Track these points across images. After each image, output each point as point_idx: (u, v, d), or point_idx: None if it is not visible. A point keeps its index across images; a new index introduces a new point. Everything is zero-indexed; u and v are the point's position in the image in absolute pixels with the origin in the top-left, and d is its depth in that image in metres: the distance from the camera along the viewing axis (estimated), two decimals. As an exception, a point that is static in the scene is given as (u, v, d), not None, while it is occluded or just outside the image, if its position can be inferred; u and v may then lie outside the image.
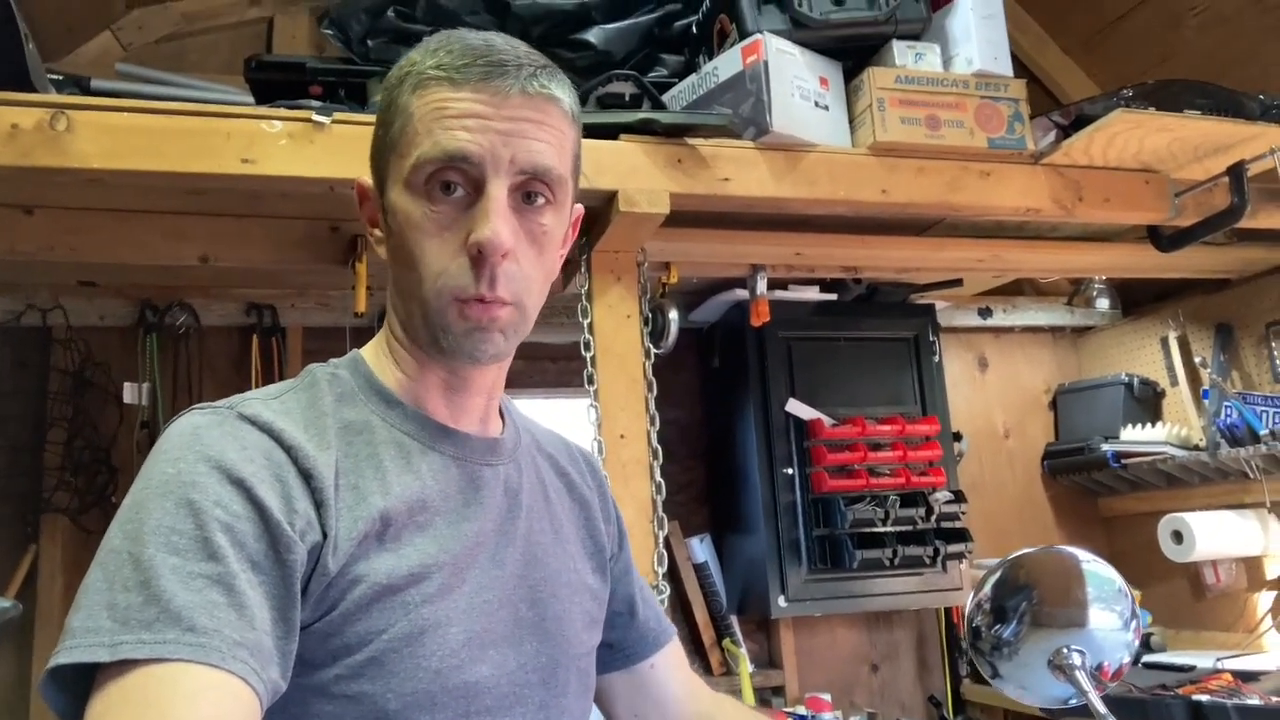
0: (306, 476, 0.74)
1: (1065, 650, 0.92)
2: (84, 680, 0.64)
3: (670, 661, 1.10)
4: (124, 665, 0.62)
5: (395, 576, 0.76)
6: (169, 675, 0.62)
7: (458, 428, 0.87)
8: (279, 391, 0.83)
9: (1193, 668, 2.30)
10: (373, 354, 0.89)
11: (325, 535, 0.73)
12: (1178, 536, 2.51)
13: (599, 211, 1.80)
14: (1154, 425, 2.69)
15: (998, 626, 0.97)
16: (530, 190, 0.81)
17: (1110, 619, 0.94)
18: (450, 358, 0.83)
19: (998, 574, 1.00)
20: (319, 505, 0.74)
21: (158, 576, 0.64)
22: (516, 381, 2.53)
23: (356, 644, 0.73)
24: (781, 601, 2.31)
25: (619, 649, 1.06)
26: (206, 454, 0.71)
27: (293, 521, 0.71)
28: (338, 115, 1.60)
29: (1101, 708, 0.89)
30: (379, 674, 0.73)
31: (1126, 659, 0.94)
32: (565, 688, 0.88)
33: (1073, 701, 0.93)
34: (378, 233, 0.88)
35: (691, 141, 1.79)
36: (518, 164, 0.79)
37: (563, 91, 0.84)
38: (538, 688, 0.84)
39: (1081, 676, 0.90)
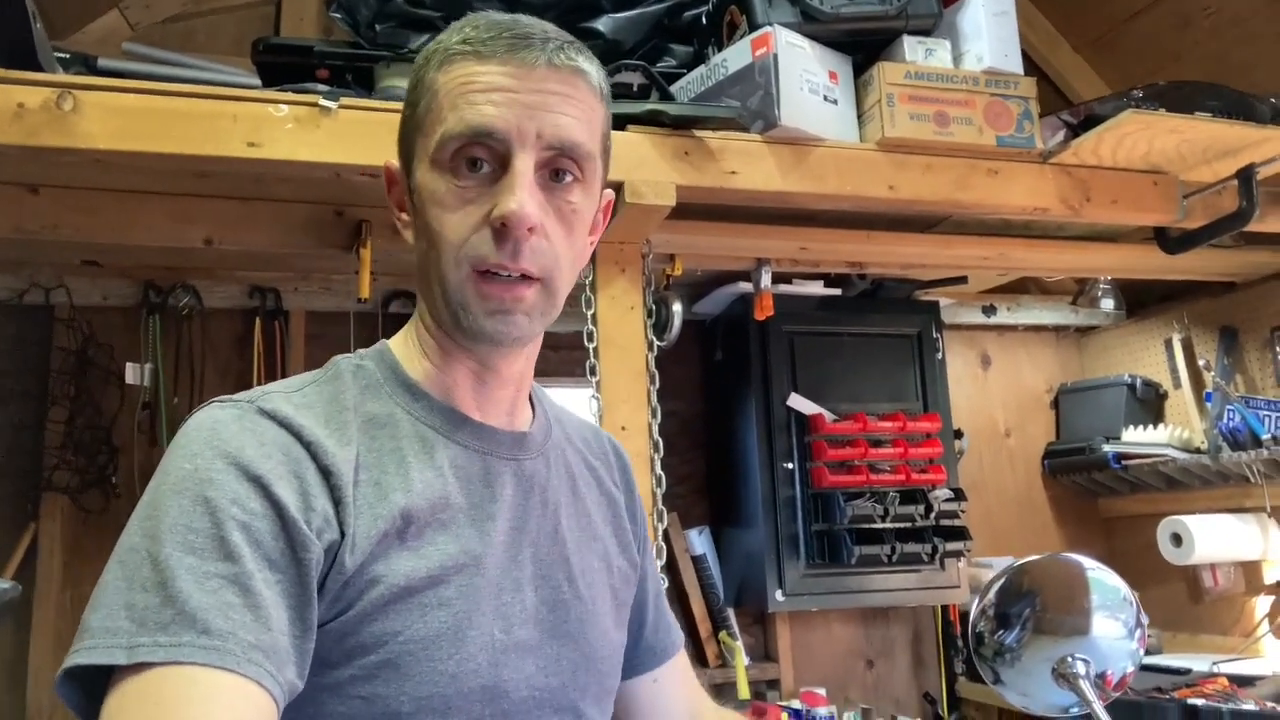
0: (325, 473, 0.73)
1: (1069, 658, 0.91)
2: (99, 677, 0.63)
3: (674, 676, 1.07)
4: (140, 667, 0.62)
5: (415, 578, 0.74)
6: (184, 679, 0.62)
7: (485, 421, 0.86)
8: (301, 384, 0.81)
9: (1189, 671, 2.30)
10: (401, 344, 0.87)
11: (343, 534, 0.72)
12: (1177, 539, 2.51)
13: (605, 202, 1.79)
14: (1156, 427, 2.69)
15: (1001, 633, 0.96)
16: (558, 167, 0.80)
17: (1115, 627, 0.93)
18: (473, 340, 0.81)
19: (1002, 580, 0.99)
20: (337, 503, 0.73)
21: (174, 576, 0.64)
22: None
23: (372, 645, 0.72)
24: (779, 595, 2.31)
25: (625, 658, 1.02)
26: (224, 450, 0.70)
27: (309, 520, 0.70)
28: (344, 100, 1.59)
29: (1106, 717, 0.88)
30: (394, 676, 0.72)
31: (1131, 668, 0.94)
32: (584, 692, 0.85)
33: (1075, 710, 0.92)
34: (405, 216, 0.86)
35: (699, 133, 1.78)
36: (545, 138, 0.77)
37: (591, 66, 0.83)
38: (558, 692, 0.82)
39: (1085, 685, 0.90)
